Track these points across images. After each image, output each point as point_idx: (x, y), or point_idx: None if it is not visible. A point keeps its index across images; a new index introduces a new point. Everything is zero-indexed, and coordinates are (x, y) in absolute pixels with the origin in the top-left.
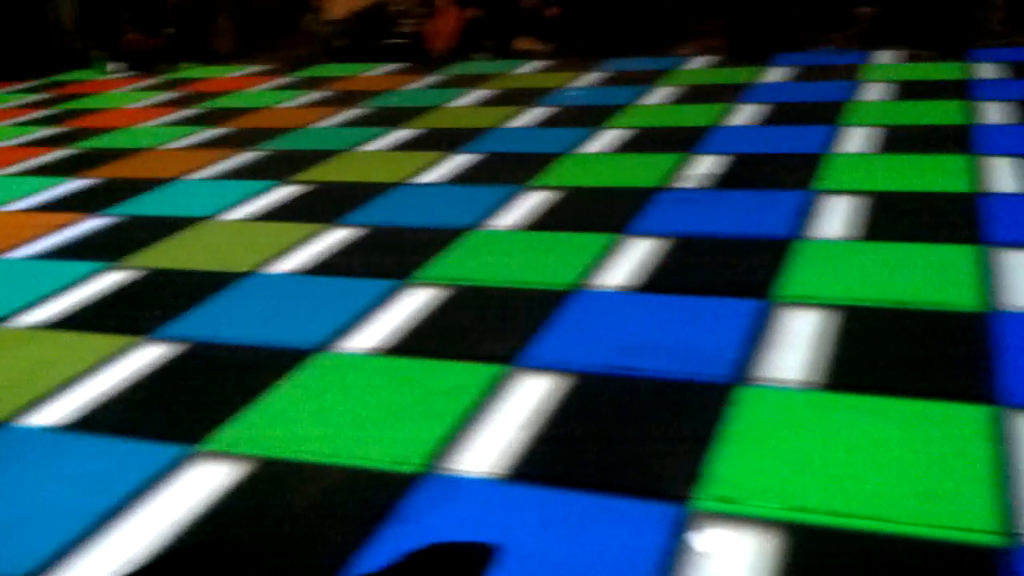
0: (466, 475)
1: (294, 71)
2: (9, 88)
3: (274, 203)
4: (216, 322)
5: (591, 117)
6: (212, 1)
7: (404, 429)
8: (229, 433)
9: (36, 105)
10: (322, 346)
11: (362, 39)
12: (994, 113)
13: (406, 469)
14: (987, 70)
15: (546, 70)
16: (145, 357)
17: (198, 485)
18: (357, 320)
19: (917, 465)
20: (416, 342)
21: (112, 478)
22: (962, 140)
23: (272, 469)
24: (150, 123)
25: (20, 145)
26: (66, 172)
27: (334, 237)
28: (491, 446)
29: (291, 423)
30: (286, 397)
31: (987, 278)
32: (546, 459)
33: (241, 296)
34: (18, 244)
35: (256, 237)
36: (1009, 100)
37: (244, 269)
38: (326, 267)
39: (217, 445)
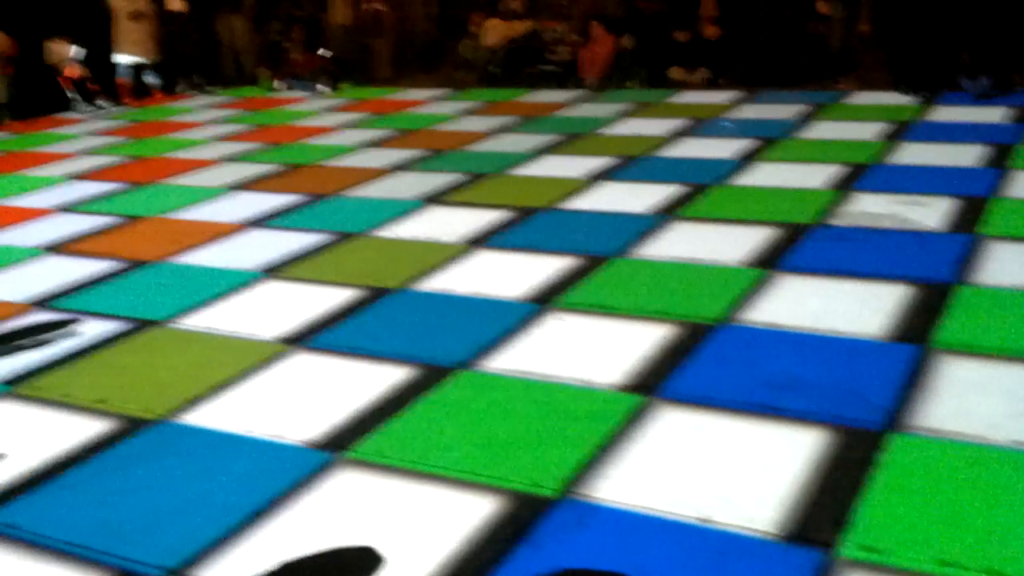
0: (603, 503)
1: (460, 93)
2: (191, 101)
3: (426, 221)
4: (367, 334)
5: (744, 148)
6: (372, 25)
7: (542, 452)
8: (373, 443)
9: (226, 120)
10: (466, 364)
11: (516, 66)
12: None
13: (543, 492)
14: None
15: (699, 100)
16: (299, 364)
17: (341, 492)
18: (501, 340)
19: None
20: (558, 366)
21: (260, 478)
22: None
23: (411, 481)
24: (331, 139)
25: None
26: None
27: (486, 258)
28: (629, 475)
29: (433, 437)
30: (429, 411)
31: None
32: (684, 492)
33: (390, 311)
34: (181, 250)
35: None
36: None
37: (394, 285)
38: (471, 286)
39: (361, 454)
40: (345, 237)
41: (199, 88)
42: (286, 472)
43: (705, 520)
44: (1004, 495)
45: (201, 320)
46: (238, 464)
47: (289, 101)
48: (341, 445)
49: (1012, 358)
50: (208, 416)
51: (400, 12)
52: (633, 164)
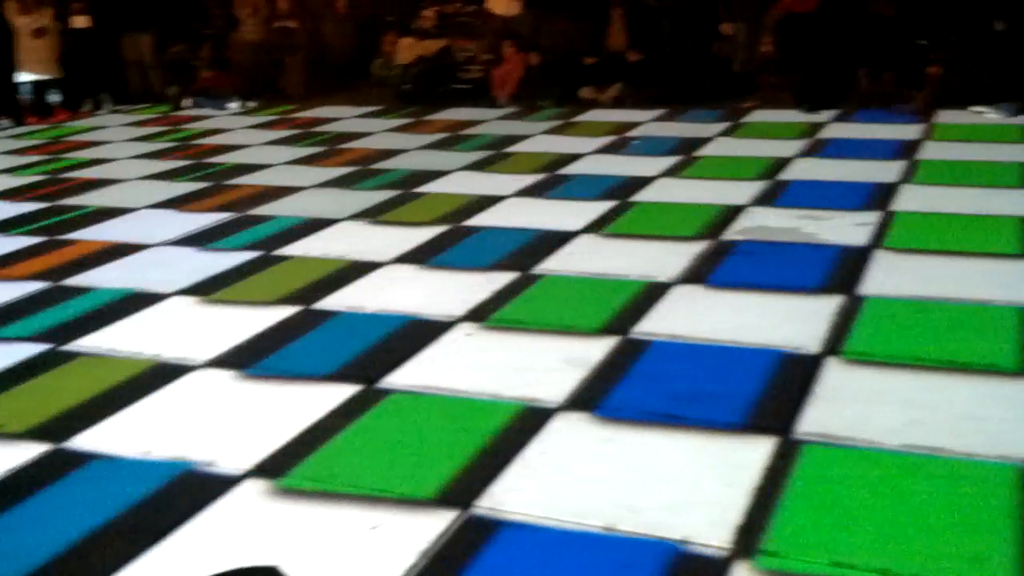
0: (510, 516)
1: (377, 111)
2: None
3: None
4: (284, 354)
5: (653, 165)
6: (283, 43)
7: (449, 467)
8: (281, 462)
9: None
10: (376, 380)
11: (429, 84)
12: None
13: (451, 507)
14: None
15: (610, 119)
16: (214, 385)
17: (248, 513)
18: (413, 357)
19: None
20: (467, 381)
21: (162, 500)
22: None
23: (319, 502)
24: (248, 156)
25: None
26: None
27: (405, 275)
28: (537, 488)
29: (342, 455)
30: (339, 430)
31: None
32: (590, 502)
33: (310, 330)
34: (95, 269)
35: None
36: None
37: (315, 304)
38: (389, 303)
39: (270, 474)
40: (263, 256)
41: (104, 106)
42: (189, 493)
43: (610, 529)
44: (898, 498)
45: (109, 341)
46: (136, 487)
47: (201, 118)
48: (264, 468)
49: (908, 367)
50: (107, 439)
51: (312, 28)
52: (546, 181)
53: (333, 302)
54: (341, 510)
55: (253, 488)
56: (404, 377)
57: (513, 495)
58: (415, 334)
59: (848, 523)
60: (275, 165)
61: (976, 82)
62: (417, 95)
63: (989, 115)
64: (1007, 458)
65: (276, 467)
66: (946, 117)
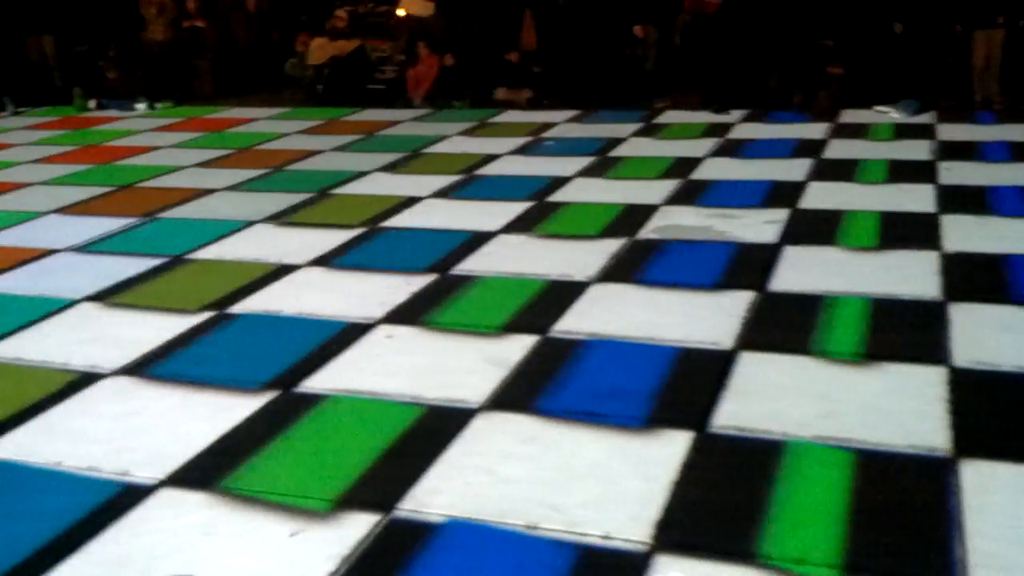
0: (434, 517)
1: (289, 112)
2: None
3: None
4: (195, 360)
5: (569, 166)
6: (192, 43)
7: (373, 470)
8: (199, 469)
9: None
10: (296, 384)
11: (342, 84)
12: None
13: (374, 511)
14: (954, 131)
15: (525, 120)
16: (126, 392)
17: (165, 521)
18: (331, 360)
19: (877, 517)
20: (388, 383)
21: (69, 512)
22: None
23: (237, 508)
24: (156, 159)
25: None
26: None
27: (317, 278)
28: (461, 488)
29: (261, 461)
30: (258, 435)
31: None
32: (513, 501)
33: (220, 335)
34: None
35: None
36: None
37: (225, 308)
38: (302, 307)
39: (187, 482)
40: (174, 260)
41: (7, 108)
42: (102, 504)
43: (533, 528)
44: (812, 489)
45: (14, 349)
46: (47, 498)
47: (108, 120)
48: (179, 477)
49: (820, 360)
50: (16, 450)
51: (221, 28)
52: (463, 182)
53: (248, 307)
54: (260, 517)
55: (168, 497)
56: (323, 381)
57: (435, 497)
58: (333, 338)
59: (761, 515)
60: (185, 168)
61: (877, 82)
62: (331, 96)
63: (891, 114)
64: (916, 447)
65: (191, 476)
66: (849, 116)
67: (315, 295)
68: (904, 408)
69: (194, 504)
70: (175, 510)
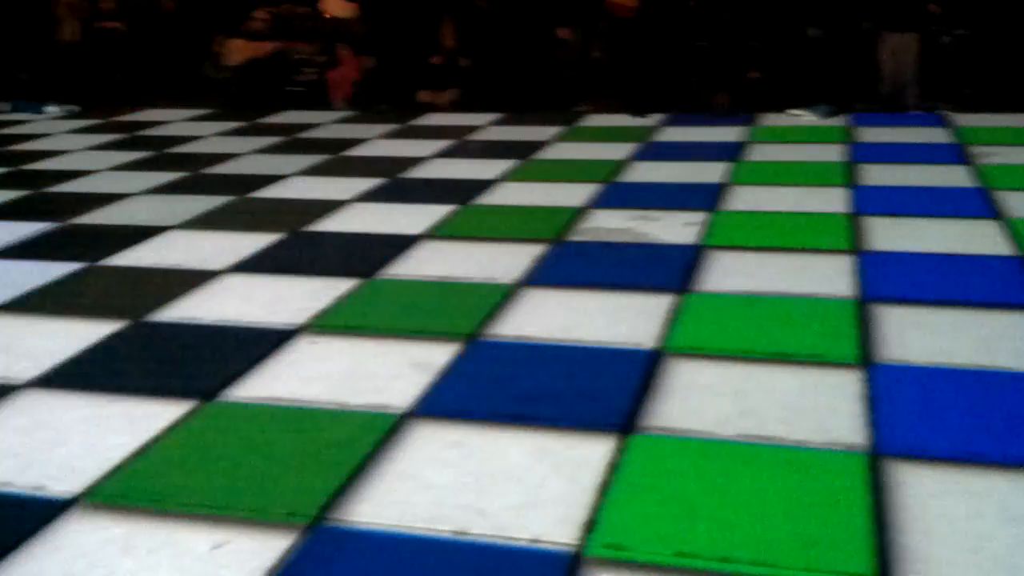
0: (360, 526)
1: (208, 114)
2: None
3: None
4: (111, 369)
5: (492, 168)
6: (106, 44)
7: (296, 481)
8: (116, 484)
9: None
10: (216, 394)
11: (262, 87)
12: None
13: (298, 521)
14: (869, 133)
15: (448, 122)
16: (41, 404)
17: (80, 539)
18: (253, 368)
19: (798, 512)
20: (311, 391)
21: None
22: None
23: (156, 522)
24: (72, 163)
25: None
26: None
27: (241, 283)
28: (387, 496)
29: (180, 473)
30: (176, 447)
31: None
32: (440, 508)
33: (138, 343)
34: None
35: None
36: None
37: (144, 316)
38: (224, 313)
39: (104, 497)
40: (88, 268)
41: None
42: (17, 520)
43: (461, 533)
44: (733, 486)
45: None
46: None
47: (17, 123)
48: (97, 490)
49: (740, 359)
50: None
51: (137, 28)
52: (387, 185)
53: (165, 314)
54: (180, 530)
55: (86, 512)
56: (244, 390)
57: (361, 505)
58: (255, 345)
59: (688, 514)
60: (99, 171)
61: (793, 86)
62: (250, 98)
63: (806, 117)
64: (834, 445)
65: (109, 490)
66: (767, 120)
67: (235, 302)
68: (822, 406)
69: (112, 519)
70: (92, 525)
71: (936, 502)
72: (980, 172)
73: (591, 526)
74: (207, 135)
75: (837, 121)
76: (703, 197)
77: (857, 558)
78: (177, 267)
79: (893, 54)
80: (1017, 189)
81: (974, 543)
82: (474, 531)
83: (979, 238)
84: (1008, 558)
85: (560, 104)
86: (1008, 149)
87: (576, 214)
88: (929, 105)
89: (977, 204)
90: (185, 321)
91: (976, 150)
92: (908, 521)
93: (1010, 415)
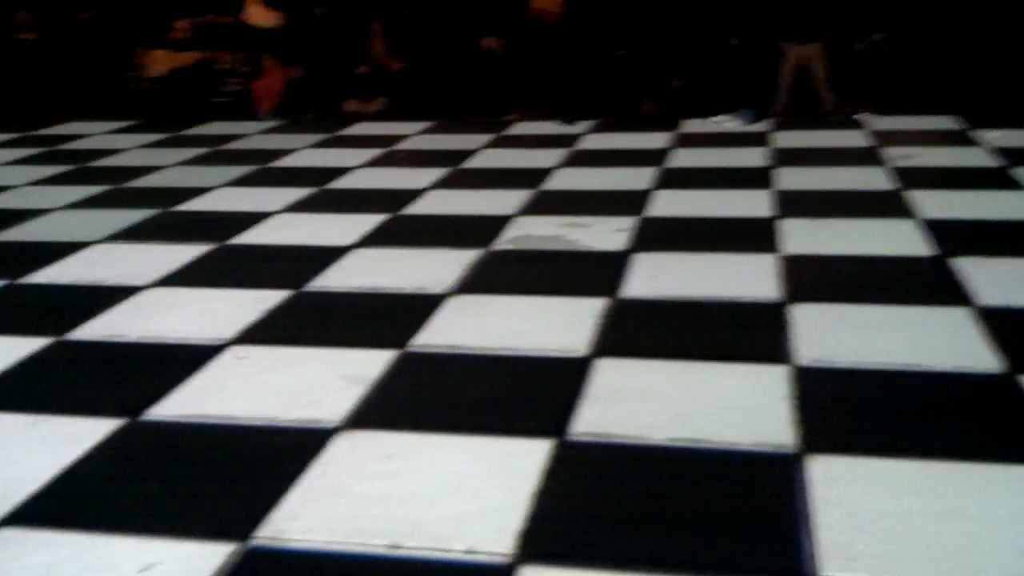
0: (292, 544)
1: (130, 126)
2: None
3: None
4: (26, 389)
5: (423, 177)
6: (23, 57)
7: (224, 499)
8: (39, 504)
9: None
10: (140, 412)
11: (185, 97)
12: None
13: (228, 539)
14: (790, 138)
15: (377, 132)
16: None
17: None
18: (177, 385)
19: (730, 513)
20: (238, 407)
21: None
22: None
23: (83, 538)
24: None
25: None
26: None
27: (164, 297)
28: (320, 511)
29: (101, 493)
30: (98, 465)
31: None
32: (374, 521)
33: (57, 361)
34: None
35: None
36: None
37: (62, 332)
38: (147, 329)
39: (24, 520)
40: (8, 285)
41: None
42: None
43: (395, 547)
44: (668, 490)
45: None
46: None
47: None
48: (21, 513)
49: (671, 363)
50: None
51: (55, 40)
52: (315, 195)
53: (89, 331)
54: (108, 553)
55: (9, 536)
56: (171, 407)
57: (294, 522)
58: (181, 360)
59: (625, 519)
60: (18, 187)
61: (716, 93)
62: (173, 110)
63: (729, 123)
64: (764, 446)
65: (32, 512)
66: (690, 126)
67: (160, 317)
68: (751, 407)
69: (37, 543)
70: (17, 550)
71: (864, 499)
72: (896, 173)
73: (528, 535)
74: (129, 148)
75: (759, 127)
76: (631, 203)
77: (787, 557)
78: (100, 283)
79: (798, 64)
80: (932, 189)
81: (902, 538)
82: (409, 544)
83: (896, 238)
84: (935, 551)
85: (488, 112)
86: (923, 150)
87: (506, 222)
88: (846, 109)
89: (895, 205)
90: (110, 338)
91: (893, 152)
92: (836, 518)
93: (930, 410)
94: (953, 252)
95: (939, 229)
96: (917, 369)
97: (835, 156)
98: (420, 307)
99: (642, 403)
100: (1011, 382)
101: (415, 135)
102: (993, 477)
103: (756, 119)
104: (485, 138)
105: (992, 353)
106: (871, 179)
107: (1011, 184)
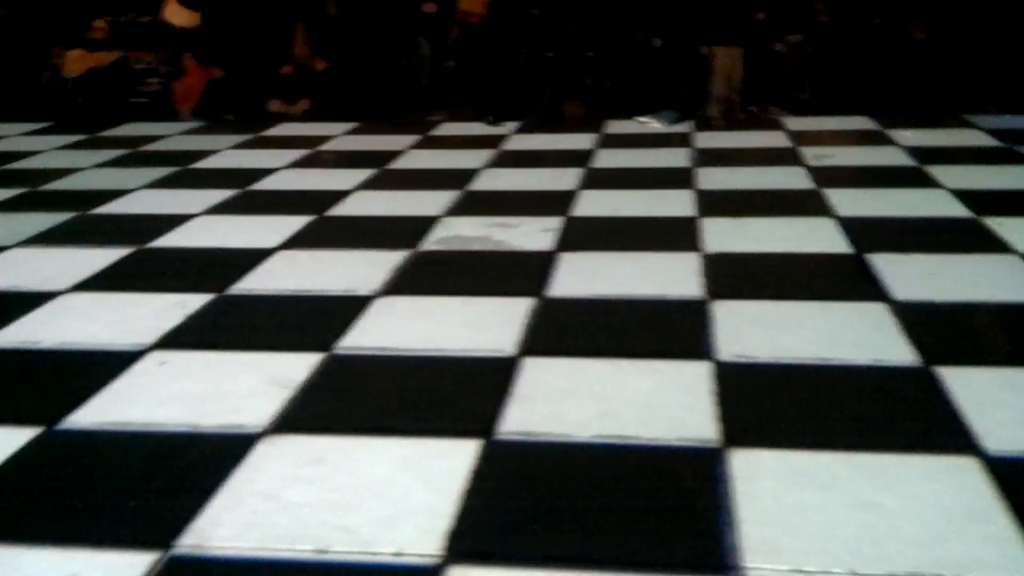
0: (216, 552)
1: (48, 127)
2: None
3: None
4: None
5: (349, 179)
6: None
7: (146, 507)
8: None
9: None
10: (56, 421)
11: (103, 98)
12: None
13: (151, 549)
14: (712, 138)
15: (302, 133)
16: None
17: None
18: (97, 392)
19: (655, 510)
20: (160, 413)
21: None
22: None
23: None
24: None
25: None
26: None
27: (82, 303)
28: (246, 518)
29: (16, 506)
30: (17, 476)
31: None
32: (302, 527)
33: None
34: None
35: None
36: None
37: None
38: (64, 336)
39: None
40: None
41: None
42: None
43: (323, 552)
44: (596, 488)
45: None
46: None
47: None
48: None
49: (597, 361)
50: None
51: None
52: (238, 197)
53: (3, 339)
54: (29, 564)
55: None
56: (90, 416)
57: (218, 529)
58: (101, 367)
59: (554, 518)
60: None
61: (638, 94)
62: (90, 110)
63: (652, 124)
64: (688, 441)
65: None
66: (614, 127)
67: (78, 323)
68: (675, 403)
69: None
70: None
71: (786, 492)
72: (815, 173)
73: (456, 535)
74: (45, 150)
75: (682, 127)
76: (557, 203)
77: (711, 552)
78: (14, 288)
79: (721, 66)
80: (849, 188)
81: (823, 530)
82: (336, 548)
83: (815, 236)
84: (855, 542)
85: (414, 113)
86: (841, 150)
87: (433, 223)
88: (765, 110)
89: (813, 204)
90: (25, 345)
91: (811, 152)
92: (759, 511)
93: (850, 403)
94: (870, 249)
95: (856, 227)
96: (836, 363)
97: (756, 156)
98: (346, 309)
99: (569, 401)
100: (927, 374)
101: (340, 136)
102: (911, 468)
103: (679, 120)
104: (411, 139)
105: (908, 347)
106: (790, 179)
107: (925, 182)
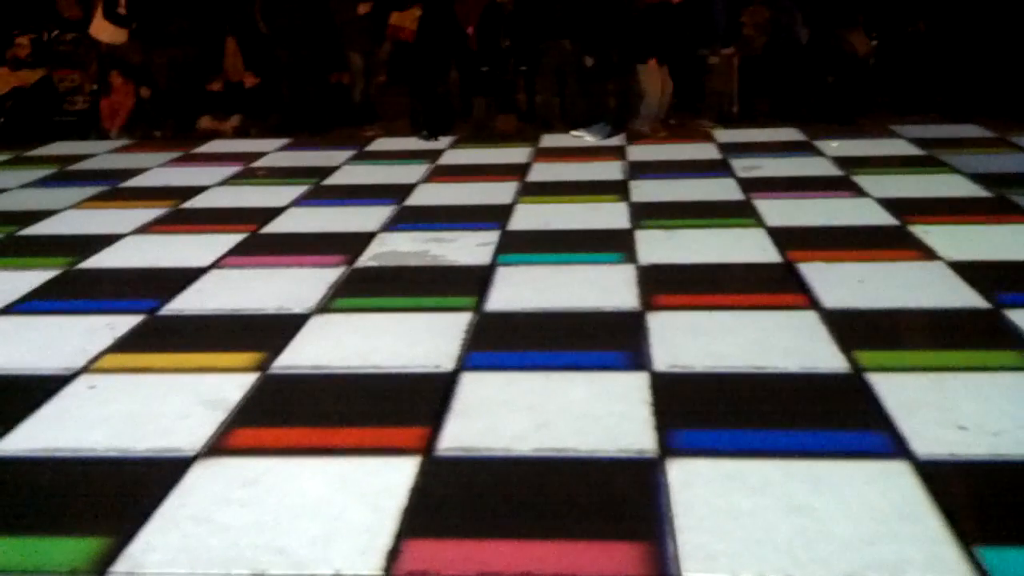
0: None
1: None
2: None
3: None
4: None
5: (281, 194)
6: None
7: (80, 532)
8: None
9: None
10: None
11: (28, 117)
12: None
13: None
14: (644, 151)
15: (233, 149)
16: None
17: None
18: (28, 417)
19: (595, 519)
20: (94, 437)
21: None
22: None
23: None
24: None
25: None
26: None
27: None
28: (180, 541)
29: None
30: None
31: None
32: (237, 549)
33: None
34: None
35: None
36: None
37: None
38: None
39: None
40: None
41: None
42: None
43: (258, 575)
44: (535, 500)
45: None
46: None
47: None
48: None
49: (533, 374)
50: None
51: None
52: (170, 214)
53: None
54: None
55: None
56: (17, 442)
57: (151, 554)
58: (28, 392)
59: (492, 532)
60: None
61: (572, 108)
62: (15, 130)
63: (586, 138)
64: (626, 451)
65: None
66: (549, 141)
67: (5, 347)
68: (612, 413)
69: None
70: None
71: (721, 499)
72: (744, 184)
73: (395, 554)
74: None
75: (615, 140)
76: (493, 216)
77: (651, 560)
78: None
79: (651, 81)
80: (776, 197)
81: (757, 534)
82: (273, 572)
83: (746, 245)
84: (788, 546)
85: (346, 128)
86: (769, 160)
87: (370, 238)
88: (696, 123)
89: (744, 213)
90: None
91: (740, 163)
92: (696, 519)
93: (782, 410)
94: (799, 257)
95: (785, 235)
96: (769, 371)
97: (687, 167)
98: (282, 327)
99: (507, 415)
100: (856, 380)
101: (274, 152)
102: (841, 472)
103: (612, 133)
104: (346, 154)
105: (838, 353)
106: (721, 189)
107: (852, 190)
